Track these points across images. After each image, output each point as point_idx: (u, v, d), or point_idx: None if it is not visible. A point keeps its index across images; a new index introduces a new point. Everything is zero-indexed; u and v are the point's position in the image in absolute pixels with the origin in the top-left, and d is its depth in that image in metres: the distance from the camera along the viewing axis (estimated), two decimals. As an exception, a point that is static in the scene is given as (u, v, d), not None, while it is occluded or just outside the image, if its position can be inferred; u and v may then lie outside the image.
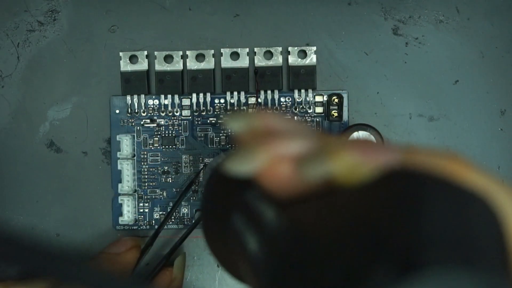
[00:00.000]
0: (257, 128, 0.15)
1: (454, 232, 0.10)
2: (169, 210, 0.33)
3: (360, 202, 0.11)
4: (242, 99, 0.33)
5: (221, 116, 0.33)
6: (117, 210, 0.33)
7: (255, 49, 0.33)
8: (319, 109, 0.33)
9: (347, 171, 0.12)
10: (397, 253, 0.10)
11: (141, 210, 0.33)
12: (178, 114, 0.33)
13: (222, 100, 0.33)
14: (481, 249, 0.10)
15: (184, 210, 0.33)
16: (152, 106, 0.33)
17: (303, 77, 0.33)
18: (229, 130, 0.15)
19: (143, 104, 0.33)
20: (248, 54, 0.33)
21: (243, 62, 0.33)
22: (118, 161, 0.33)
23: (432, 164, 0.12)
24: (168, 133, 0.33)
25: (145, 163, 0.33)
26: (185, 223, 0.33)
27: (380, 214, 0.11)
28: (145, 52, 0.33)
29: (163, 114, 0.33)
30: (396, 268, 0.09)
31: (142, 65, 0.33)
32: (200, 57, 0.33)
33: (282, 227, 0.13)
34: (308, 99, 0.33)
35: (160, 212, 0.33)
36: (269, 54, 0.33)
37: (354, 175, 0.12)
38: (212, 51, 0.33)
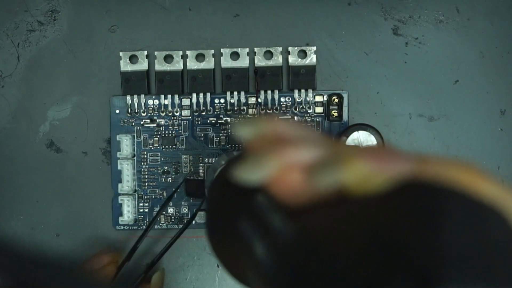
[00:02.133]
0: (267, 135, 0.14)
1: (473, 246, 0.10)
2: (170, 211, 0.33)
3: (374, 213, 0.11)
4: (242, 99, 0.33)
5: (222, 116, 0.33)
6: (117, 210, 0.33)
7: (255, 49, 0.33)
8: (319, 109, 0.33)
9: (360, 180, 0.12)
10: (416, 268, 0.10)
11: (141, 210, 0.33)
12: (178, 114, 0.33)
13: (222, 100, 0.33)
14: (500, 264, 0.10)
15: (184, 210, 0.33)
16: (152, 106, 0.33)
17: (303, 77, 0.33)
18: (238, 136, 0.15)
19: (143, 104, 0.33)
20: (248, 54, 0.33)
21: (243, 62, 0.33)
22: (118, 161, 0.33)
23: (446, 174, 0.11)
24: (168, 133, 0.33)
25: (145, 163, 0.33)
26: (185, 223, 0.33)
27: (396, 227, 0.10)
28: (145, 52, 0.33)
29: (163, 114, 0.33)
30: (415, 283, 0.09)
31: (142, 65, 0.33)
32: (200, 57, 0.33)
33: (292, 236, 0.12)
34: (308, 99, 0.33)
35: (160, 212, 0.33)
36: (269, 54, 0.33)
37: (367, 184, 0.12)
38: (212, 51, 0.33)
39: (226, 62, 0.33)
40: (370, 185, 0.12)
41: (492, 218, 0.11)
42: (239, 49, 0.33)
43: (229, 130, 0.33)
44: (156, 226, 0.33)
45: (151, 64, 0.33)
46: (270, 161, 0.13)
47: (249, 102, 0.33)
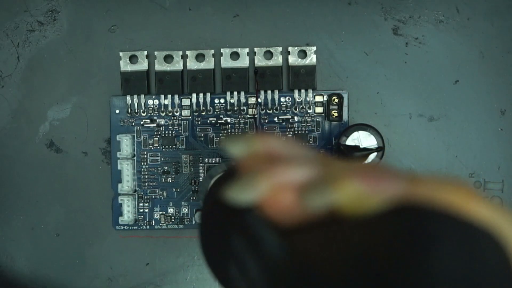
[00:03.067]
0: (259, 153, 0.14)
1: (464, 271, 0.10)
2: (170, 211, 0.33)
3: (366, 236, 0.11)
4: (242, 99, 0.33)
5: (222, 116, 0.33)
6: (117, 210, 0.33)
7: (255, 49, 0.33)
8: (319, 109, 0.33)
9: (352, 202, 0.12)
10: None
11: (141, 210, 0.33)
12: (178, 114, 0.33)
13: (222, 100, 0.33)
14: None
15: (184, 210, 0.33)
16: (152, 106, 0.33)
17: (303, 77, 0.33)
18: (229, 154, 0.15)
19: (143, 104, 0.33)
20: (248, 54, 0.33)
21: (243, 62, 0.33)
22: (118, 161, 0.33)
23: (438, 196, 0.11)
24: (168, 133, 0.33)
25: (145, 163, 0.33)
26: (185, 223, 0.33)
27: (387, 250, 0.10)
28: (145, 52, 0.33)
29: (163, 114, 0.33)
30: None
31: (142, 65, 0.33)
32: (200, 57, 0.33)
33: (285, 256, 0.12)
34: (308, 99, 0.33)
35: (160, 212, 0.33)
36: (269, 54, 0.33)
37: (359, 206, 0.12)
38: (212, 51, 0.33)
39: (226, 62, 0.33)
40: (363, 207, 0.12)
41: (484, 241, 0.11)
42: (239, 49, 0.33)
43: (229, 131, 0.33)
44: (157, 226, 0.33)
45: (151, 64, 0.33)
46: (261, 181, 0.13)
47: (249, 102, 0.33)
